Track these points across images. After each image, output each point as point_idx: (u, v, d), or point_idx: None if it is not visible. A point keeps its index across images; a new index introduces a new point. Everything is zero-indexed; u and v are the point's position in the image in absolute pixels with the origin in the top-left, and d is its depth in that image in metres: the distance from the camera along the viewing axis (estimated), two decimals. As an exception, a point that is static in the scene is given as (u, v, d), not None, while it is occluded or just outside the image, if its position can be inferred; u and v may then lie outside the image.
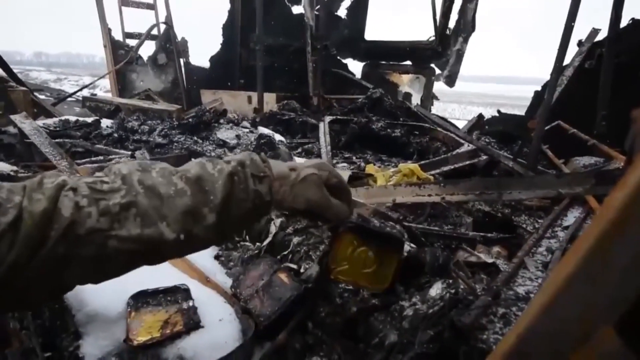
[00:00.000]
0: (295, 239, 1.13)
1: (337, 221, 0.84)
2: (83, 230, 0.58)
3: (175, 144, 2.40)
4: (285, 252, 1.11)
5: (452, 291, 0.83)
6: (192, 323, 0.90)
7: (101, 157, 2.17)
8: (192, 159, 0.73)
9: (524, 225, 1.67)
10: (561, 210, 1.45)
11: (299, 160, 2.31)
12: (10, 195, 0.57)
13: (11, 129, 2.58)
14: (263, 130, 2.81)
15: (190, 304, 0.95)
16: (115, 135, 2.62)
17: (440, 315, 0.78)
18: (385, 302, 0.90)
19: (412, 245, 1.27)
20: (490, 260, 1.05)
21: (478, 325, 0.72)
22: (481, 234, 1.38)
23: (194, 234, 0.66)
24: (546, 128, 2.25)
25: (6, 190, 0.57)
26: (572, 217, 1.41)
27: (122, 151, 2.29)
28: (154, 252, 0.65)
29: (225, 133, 2.52)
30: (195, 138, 2.49)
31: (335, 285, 0.98)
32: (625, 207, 0.32)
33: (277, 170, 0.76)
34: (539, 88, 3.15)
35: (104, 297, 0.99)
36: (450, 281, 0.86)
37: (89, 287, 1.02)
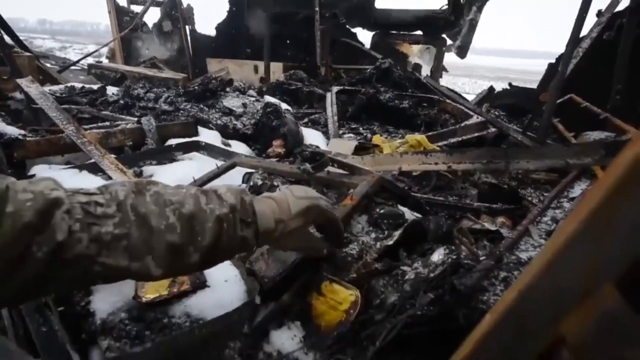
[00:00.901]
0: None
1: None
2: (70, 255, 0.57)
3: (182, 111, 2.38)
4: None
5: (454, 256, 0.83)
6: (199, 282, 0.92)
7: (107, 123, 2.17)
8: (182, 186, 0.74)
9: (530, 198, 1.67)
10: (568, 182, 1.44)
11: (306, 132, 2.29)
12: None
13: (17, 95, 2.58)
14: (269, 99, 2.79)
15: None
16: (121, 102, 2.61)
17: (441, 278, 0.79)
18: (387, 266, 0.91)
19: (417, 214, 1.27)
20: (494, 228, 1.06)
21: (479, 287, 0.74)
22: (486, 204, 1.38)
23: (176, 268, 0.69)
24: (558, 101, 2.20)
25: None
26: (578, 189, 1.40)
27: (128, 117, 2.29)
28: (136, 279, 0.68)
29: (232, 101, 2.49)
30: (201, 106, 2.47)
31: (339, 250, 0.99)
32: (635, 165, 0.31)
33: (263, 225, 0.76)
34: (553, 61, 3.06)
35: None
36: (453, 247, 0.86)
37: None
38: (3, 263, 0.51)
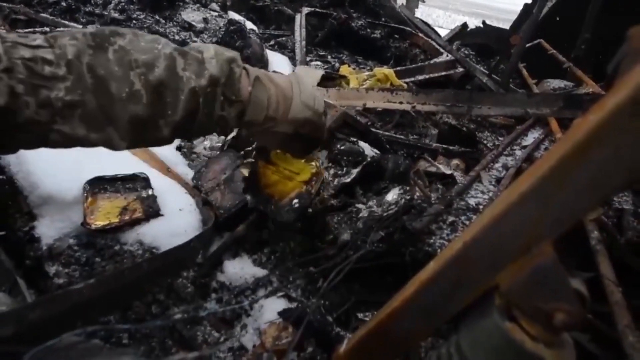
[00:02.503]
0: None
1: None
2: (21, 119, 0.51)
3: (134, 21, 2.15)
4: (250, 149, 1.09)
5: (408, 197, 0.86)
6: (152, 211, 0.90)
7: (47, 29, 1.93)
8: (160, 39, 0.61)
9: (485, 142, 1.72)
10: (522, 130, 1.48)
11: (271, 56, 2.16)
12: None
13: None
14: (234, 15, 2.56)
15: (150, 192, 0.94)
16: (64, 4, 2.30)
17: (393, 219, 0.82)
18: (343, 203, 0.93)
19: (376, 151, 1.28)
20: (448, 172, 1.09)
21: (428, 230, 0.77)
22: (443, 145, 1.41)
23: (144, 141, 0.61)
24: (527, 45, 2.19)
25: None
26: (531, 137, 1.45)
27: (71, 24, 2.04)
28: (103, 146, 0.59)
29: (192, 14, 2.27)
30: (157, 17, 2.24)
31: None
32: (595, 131, 0.31)
33: (251, 114, 0.65)
34: (530, 0, 2.99)
35: (58, 180, 0.95)
36: (407, 188, 0.88)
37: (41, 170, 0.98)
38: None
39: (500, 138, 1.79)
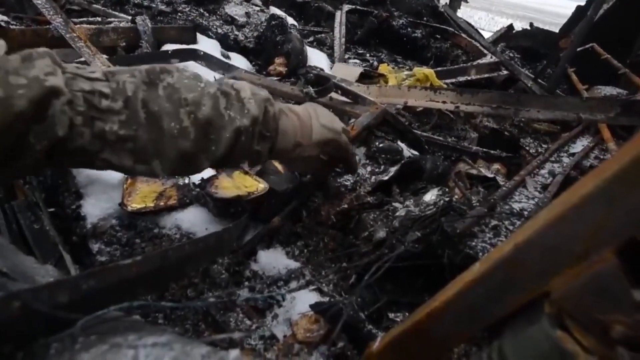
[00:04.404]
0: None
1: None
2: (72, 147, 0.53)
3: (180, 14, 2.21)
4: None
5: (447, 199, 0.83)
6: (186, 200, 0.92)
7: (99, 19, 2.01)
8: (201, 77, 0.66)
9: (528, 148, 1.65)
10: (570, 137, 1.41)
11: (310, 52, 2.16)
12: None
13: (0, -25, 2.35)
14: (275, 10, 2.59)
15: (187, 180, 0.96)
16: (114, -5, 2.40)
17: (431, 219, 0.80)
18: (380, 201, 0.91)
19: (414, 152, 1.26)
20: (490, 175, 1.05)
21: (469, 232, 0.75)
22: (484, 149, 1.36)
23: (183, 172, 0.66)
24: (578, 49, 2.08)
25: None
26: (580, 145, 1.38)
27: (121, 15, 2.12)
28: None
29: (235, 9, 2.30)
30: (202, 10, 2.29)
31: (333, 179, 0.98)
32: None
33: (282, 144, 0.72)
34: (583, 2, 2.84)
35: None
36: (446, 189, 0.86)
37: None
38: None
39: (543, 145, 1.71)
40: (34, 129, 0.49)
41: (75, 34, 1.51)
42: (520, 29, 3.45)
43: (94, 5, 2.22)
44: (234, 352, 0.35)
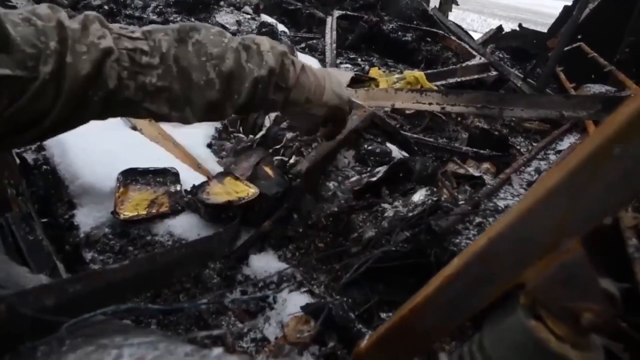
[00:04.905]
0: (289, 134, 1.12)
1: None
2: (121, 98, 0.63)
3: (171, 23, 2.23)
4: (278, 146, 1.11)
5: (434, 198, 0.85)
6: (177, 207, 0.93)
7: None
8: (225, 33, 0.73)
9: (519, 147, 1.67)
10: (558, 135, 1.43)
11: (301, 58, 2.19)
12: (46, 39, 0.55)
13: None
14: (266, 18, 2.61)
15: (178, 187, 0.97)
16: (106, 7, 2.42)
17: (418, 218, 0.81)
18: (368, 202, 0.93)
19: (404, 153, 1.27)
20: (477, 174, 1.07)
21: (453, 229, 0.76)
22: (474, 149, 1.38)
23: (212, 118, 0.75)
24: (566, 49, 2.11)
25: (41, 30, 0.55)
26: (567, 142, 1.40)
27: (113, 26, 2.14)
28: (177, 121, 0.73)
29: (225, 17, 2.33)
30: (193, 19, 2.31)
31: (323, 183, 1.00)
32: (626, 124, 0.30)
33: (294, 95, 0.78)
34: (570, 2, 2.88)
35: (96, 171, 1.01)
36: (434, 189, 0.87)
37: (81, 160, 1.03)
38: (68, 109, 0.58)
39: (534, 144, 1.73)
40: (92, 85, 0.59)
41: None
42: (510, 30, 3.49)
43: (86, 18, 2.24)
44: (217, 350, 0.36)
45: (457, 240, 0.74)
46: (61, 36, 0.56)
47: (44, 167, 1.03)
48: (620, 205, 0.34)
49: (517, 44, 3.10)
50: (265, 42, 0.75)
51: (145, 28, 0.68)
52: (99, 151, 1.05)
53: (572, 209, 0.35)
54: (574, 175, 0.34)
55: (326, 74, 0.85)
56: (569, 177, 0.34)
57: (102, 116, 0.66)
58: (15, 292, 0.35)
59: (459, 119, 1.83)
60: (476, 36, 3.68)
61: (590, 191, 0.34)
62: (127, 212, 0.89)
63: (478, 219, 0.80)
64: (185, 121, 0.71)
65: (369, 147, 1.11)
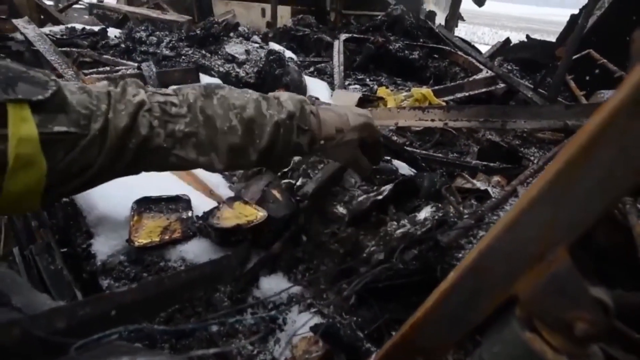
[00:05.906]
0: (296, 157, 1.14)
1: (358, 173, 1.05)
2: (152, 146, 0.70)
3: (183, 57, 2.33)
4: (285, 170, 1.14)
5: (441, 214, 0.85)
6: (189, 232, 0.96)
7: (107, 68, 2.14)
8: (248, 90, 0.81)
9: (532, 158, 1.65)
10: (566, 145, 1.41)
11: (309, 82, 2.24)
12: (98, 103, 0.66)
13: (18, 36, 2.53)
14: (274, 46, 2.70)
15: (189, 214, 1.00)
16: (123, 45, 2.56)
17: (425, 236, 0.81)
18: (375, 221, 0.93)
19: (413, 170, 1.28)
20: (483, 187, 1.06)
21: (457, 244, 0.76)
22: (483, 162, 1.37)
23: (237, 164, 0.79)
24: (575, 57, 2.10)
25: (95, 96, 0.66)
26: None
27: (129, 62, 2.25)
28: (205, 169, 0.79)
29: (235, 47, 2.42)
30: (203, 52, 2.41)
31: (330, 203, 1.01)
32: (597, 132, 0.31)
33: (325, 131, 0.83)
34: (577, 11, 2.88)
35: (112, 201, 1.05)
36: (440, 205, 0.88)
37: (98, 192, 1.07)
38: (108, 159, 0.67)
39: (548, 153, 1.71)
40: (129, 134, 0.68)
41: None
42: (518, 41, 3.49)
43: (104, 56, 2.37)
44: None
45: (460, 255, 0.74)
46: (108, 99, 0.67)
47: (64, 199, 1.08)
48: (600, 212, 0.34)
49: (526, 55, 3.09)
50: (284, 94, 0.82)
51: (175, 87, 0.77)
52: (114, 182, 1.09)
53: (555, 217, 0.36)
54: (552, 185, 0.35)
55: (339, 105, 0.91)
56: (549, 186, 0.35)
57: (137, 165, 0.73)
58: (28, 316, 0.38)
59: (470, 132, 1.82)
60: (487, 48, 3.69)
61: (569, 200, 0.34)
62: (141, 240, 0.92)
63: (482, 233, 0.80)
64: (212, 167, 0.76)
65: (375, 166, 1.12)
